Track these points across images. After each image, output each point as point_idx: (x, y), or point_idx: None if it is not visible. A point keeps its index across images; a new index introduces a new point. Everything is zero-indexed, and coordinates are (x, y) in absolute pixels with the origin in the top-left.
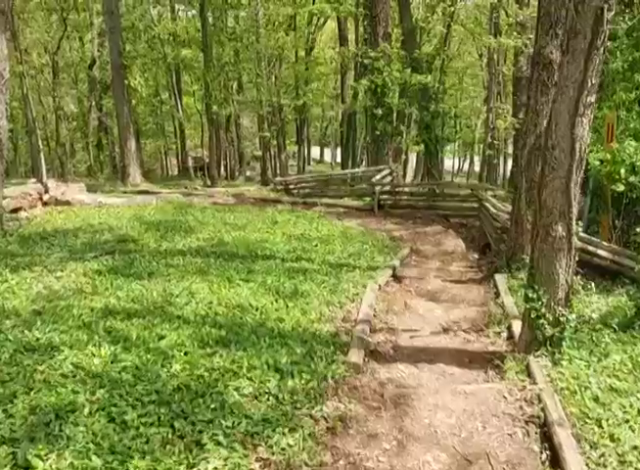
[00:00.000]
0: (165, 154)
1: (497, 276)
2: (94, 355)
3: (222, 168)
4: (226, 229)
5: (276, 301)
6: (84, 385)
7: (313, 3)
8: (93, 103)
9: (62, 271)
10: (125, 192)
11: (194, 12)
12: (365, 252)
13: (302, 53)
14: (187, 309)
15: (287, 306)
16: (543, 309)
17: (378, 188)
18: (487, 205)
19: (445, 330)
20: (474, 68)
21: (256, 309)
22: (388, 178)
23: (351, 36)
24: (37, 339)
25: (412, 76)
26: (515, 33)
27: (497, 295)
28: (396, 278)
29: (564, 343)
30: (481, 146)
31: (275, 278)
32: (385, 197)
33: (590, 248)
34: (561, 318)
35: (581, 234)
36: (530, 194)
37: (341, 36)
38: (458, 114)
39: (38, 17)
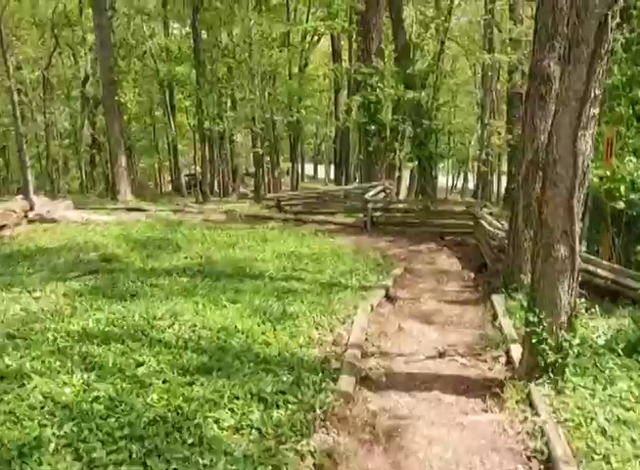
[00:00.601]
0: (159, 170)
1: (494, 297)
2: (66, 384)
3: (216, 185)
4: (215, 247)
5: (263, 323)
6: (52, 418)
7: (307, 21)
8: (86, 119)
9: (41, 292)
10: (115, 209)
11: (187, 29)
12: (357, 270)
13: (296, 70)
14: (169, 333)
15: (274, 329)
16: (545, 334)
17: (371, 205)
18: (483, 223)
19: (441, 354)
20: (467, 85)
21: (242, 333)
22: (382, 195)
23: (345, 53)
24: (7, 366)
25: (405, 92)
26: (509, 49)
27: (495, 317)
28: (389, 298)
29: (567, 369)
30: (475, 163)
31: (263, 298)
32: (378, 214)
33: (590, 267)
34: (563, 343)
35: (584, 254)
36: (528, 211)
37: (334, 53)
38: (452, 130)
39: (29, 32)
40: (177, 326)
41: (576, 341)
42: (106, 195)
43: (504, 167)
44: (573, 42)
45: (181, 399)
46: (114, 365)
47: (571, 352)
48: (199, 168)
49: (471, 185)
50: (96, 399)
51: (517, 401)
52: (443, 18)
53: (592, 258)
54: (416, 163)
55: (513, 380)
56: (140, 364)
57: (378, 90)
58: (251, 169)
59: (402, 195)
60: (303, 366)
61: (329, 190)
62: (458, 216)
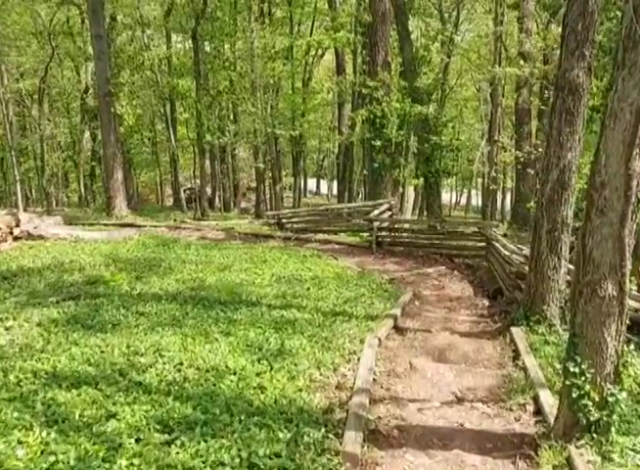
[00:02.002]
0: (161, 184)
1: (514, 330)
2: (20, 444)
3: (217, 200)
4: (209, 269)
5: (258, 361)
6: None
7: (311, 34)
8: (87, 132)
9: (14, 320)
10: (108, 224)
11: (189, 41)
12: (362, 297)
13: (299, 84)
14: (150, 374)
15: (271, 369)
16: (587, 387)
17: (376, 224)
18: (497, 245)
19: (459, 400)
20: (472, 101)
21: (234, 374)
22: (387, 213)
23: (349, 68)
24: None
25: (412, 107)
26: (522, 63)
27: (516, 353)
28: (398, 329)
29: (612, 428)
30: (480, 180)
31: (259, 331)
32: (383, 233)
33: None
34: (609, 398)
35: None
36: (552, 236)
37: (338, 67)
38: (459, 147)
39: (29, 42)
40: (161, 365)
41: (624, 394)
42: (104, 209)
43: (508, 184)
44: (629, 43)
45: (155, 467)
46: (80, 418)
47: (617, 408)
48: (199, 182)
49: (474, 201)
50: (52, 465)
51: (554, 467)
52: (450, 31)
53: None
54: (422, 179)
55: (547, 439)
56: (112, 416)
57: (384, 104)
58: (254, 184)
59: (408, 212)
60: (303, 418)
61: (332, 207)
62: (469, 237)
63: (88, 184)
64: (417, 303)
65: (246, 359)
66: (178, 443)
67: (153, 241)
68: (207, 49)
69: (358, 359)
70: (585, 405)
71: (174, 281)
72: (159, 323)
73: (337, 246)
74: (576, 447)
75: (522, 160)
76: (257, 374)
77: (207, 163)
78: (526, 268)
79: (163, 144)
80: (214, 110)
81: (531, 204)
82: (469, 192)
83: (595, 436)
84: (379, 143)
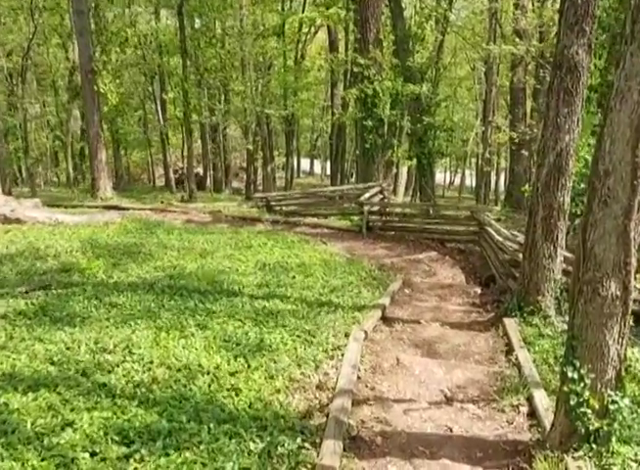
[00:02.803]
0: (152, 164)
1: (507, 321)
2: None
3: (209, 180)
4: (191, 256)
5: (235, 358)
6: None
7: (303, 11)
8: (77, 111)
9: None
10: (91, 207)
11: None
12: (350, 285)
13: (291, 62)
14: (117, 374)
15: (248, 367)
16: (587, 394)
17: (367, 208)
18: (490, 230)
19: (448, 400)
20: (467, 81)
21: (207, 373)
22: (379, 196)
23: (342, 47)
24: None
25: (404, 86)
26: (517, 40)
27: (509, 347)
28: (386, 320)
29: (613, 438)
30: (474, 160)
31: (238, 324)
32: (374, 217)
33: None
34: (610, 406)
35: None
36: (548, 223)
37: (331, 44)
38: (453, 127)
39: (10, 17)
40: (129, 364)
41: (626, 401)
42: (89, 190)
43: (502, 164)
44: (638, 14)
45: None
46: (33, 427)
47: (619, 416)
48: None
49: (468, 182)
50: None
51: None
52: (444, 8)
53: None
54: (414, 160)
55: (543, 448)
56: (68, 424)
57: (375, 83)
58: (245, 164)
59: (400, 195)
60: (278, 425)
61: (322, 190)
62: (461, 222)
63: (78, 164)
64: (407, 290)
65: (221, 357)
66: (137, 456)
67: (135, 225)
68: (197, 25)
69: (342, 355)
70: (584, 413)
71: (153, 269)
72: (132, 316)
73: (326, 230)
74: (574, 459)
75: (516, 140)
76: (232, 374)
77: (199, 142)
78: (521, 256)
79: (154, 123)
80: (203, 88)
81: (526, 187)
82: (462, 172)
83: (594, 446)
84: (370, 123)
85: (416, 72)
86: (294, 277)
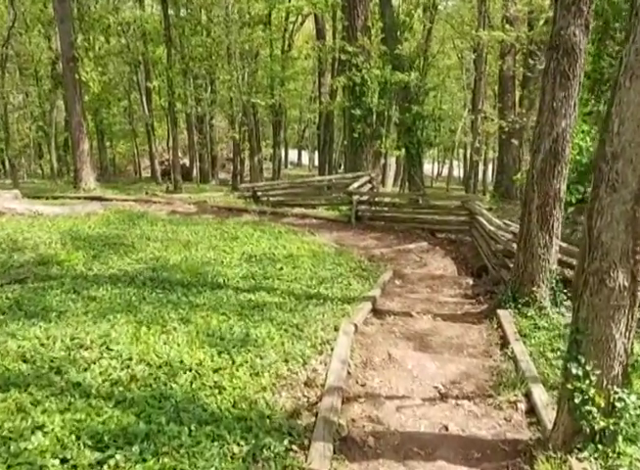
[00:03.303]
0: (137, 155)
1: (501, 313)
2: None
3: (195, 171)
4: (174, 247)
5: (219, 354)
6: None
7: (289, 0)
8: (61, 100)
9: None
10: (73, 198)
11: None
12: (339, 277)
13: (278, 52)
14: (93, 372)
15: (232, 363)
16: (592, 391)
17: (356, 198)
18: (481, 219)
19: (442, 396)
20: (455, 70)
21: (189, 370)
22: (368, 186)
23: (329, 37)
24: None
25: (393, 75)
26: (507, 27)
27: (504, 340)
28: (377, 313)
29: (620, 438)
30: (461, 151)
31: (223, 318)
32: (363, 207)
33: None
34: (617, 404)
35: None
36: (544, 212)
37: (318, 33)
38: (442, 116)
39: None
40: (107, 361)
41: (633, 398)
42: (72, 182)
43: (490, 154)
44: None
45: None
46: (0, 432)
47: (626, 414)
48: (179, 153)
49: (455, 172)
50: None
51: None
52: None
53: None
54: (403, 150)
55: (544, 449)
56: (39, 428)
57: (364, 71)
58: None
59: (389, 185)
60: (264, 426)
61: (310, 180)
62: (452, 212)
63: (62, 156)
64: (397, 282)
65: (204, 352)
66: (112, 462)
67: (118, 216)
68: (183, 13)
69: (332, 350)
70: (589, 412)
71: (135, 261)
72: (111, 310)
73: (314, 220)
74: (578, 460)
75: (506, 129)
76: (216, 370)
77: (185, 133)
78: (514, 246)
79: (139, 114)
80: (189, 78)
81: (518, 176)
82: (450, 163)
83: (600, 446)
84: (359, 112)
85: (404, 61)
86: (281, 269)
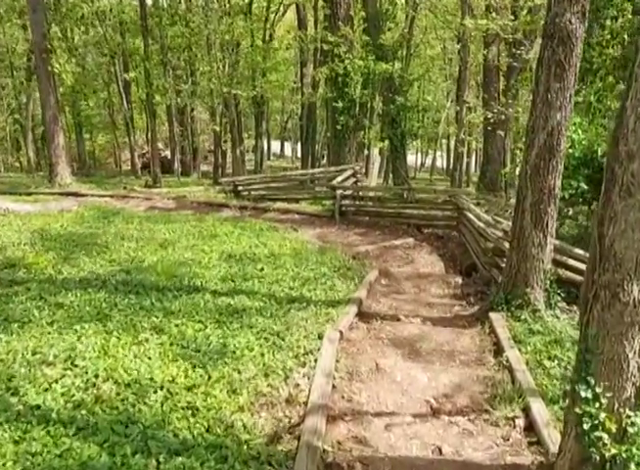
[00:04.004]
0: (118, 148)
1: (493, 316)
2: None
3: (176, 163)
4: (151, 247)
5: (193, 368)
6: None
7: None
8: (38, 93)
9: None
10: (47, 194)
11: None
12: (323, 277)
13: (259, 42)
14: (54, 392)
15: (208, 379)
16: (603, 415)
17: (339, 192)
18: (470, 215)
19: (435, 412)
20: (438, 60)
21: (161, 388)
22: (352, 180)
23: (311, 28)
24: None
25: (377, 65)
26: (494, 15)
27: (498, 346)
28: (363, 316)
29: (632, 465)
30: (445, 141)
31: (199, 326)
32: (347, 202)
33: None
34: (629, 429)
35: None
36: (538, 209)
37: (299, 23)
38: (426, 108)
39: None
40: (70, 379)
41: None
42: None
43: (473, 145)
44: None
45: None
46: None
47: (639, 440)
48: (160, 145)
49: (439, 163)
50: None
51: None
52: None
53: None
54: (387, 142)
55: None
56: None
57: (346, 61)
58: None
59: (374, 178)
60: (241, 454)
61: (293, 174)
62: (439, 206)
63: (40, 149)
64: (384, 281)
65: (178, 367)
66: None
67: (93, 213)
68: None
69: (315, 361)
70: (599, 438)
71: (108, 262)
72: (79, 318)
73: (297, 216)
74: None
75: (492, 120)
76: (190, 388)
77: (167, 125)
78: (506, 244)
79: (119, 106)
80: (168, 69)
81: (506, 170)
82: (434, 154)
83: None
84: (342, 104)
85: (388, 51)
86: (262, 269)
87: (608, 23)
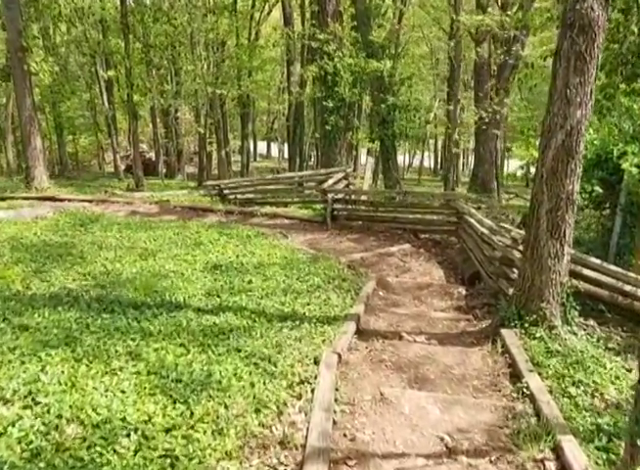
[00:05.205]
0: (101, 150)
1: (505, 334)
2: None
3: (161, 165)
4: (130, 257)
5: (173, 404)
6: None
7: None
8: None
9: None
10: (23, 199)
11: None
12: (317, 290)
13: (245, 41)
14: (10, 438)
15: (190, 415)
16: None
17: (331, 195)
18: (471, 220)
19: (450, 452)
20: (427, 60)
21: (135, 431)
22: (343, 183)
23: (298, 26)
24: None
25: (367, 63)
26: (490, 9)
27: (514, 369)
28: (362, 334)
29: None
30: (432, 141)
31: (180, 351)
32: (339, 206)
33: (627, 287)
34: None
35: (615, 268)
36: (555, 216)
37: (285, 21)
38: (417, 107)
39: None
40: (29, 420)
41: None
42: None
43: (461, 145)
44: None
45: None
46: None
47: None
48: (145, 147)
49: (426, 163)
50: None
51: None
52: None
53: (630, 274)
54: (377, 143)
55: None
56: None
57: (336, 60)
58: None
59: (367, 180)
60: None
61: (281, 177)
62: (436, 210)
63: (21, 151)
64: (381, 293)
65: (155, 402)
66: None
67: (69, 220)
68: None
69: (312, 391)
70: None
71: (82, 275)
72: (45, 343)
73: (286, 221)
74: None
75: (486, 120)
76: (169, 430)
77: (151, 126)
78: (515, 253)
79: (102, 106)
80: (151, 69)
81: (505, 173)
82: (422, 154)
83: None
84: (331, 104)
85: (378, 48)
86: (250, 282)
87: (614, 16)
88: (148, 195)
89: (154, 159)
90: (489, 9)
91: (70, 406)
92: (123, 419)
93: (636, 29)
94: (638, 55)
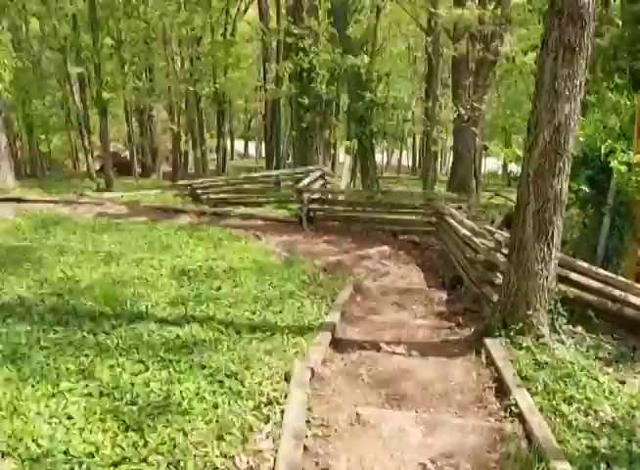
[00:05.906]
0: (75, 149)
1: (490, 344)
2: None
3: (136, 164)
4: (92, 262)
5: (125, 432)
6: None
7: None
8: None
9: None
10: None
11: None
12: (290, 296)
13: (220, 37)
14: None
15: (144, 446)
16: None
17: (307, 195)
18: (452, 221)
19: None
20: (403, 57)
21: (79, 465)
22: (320, 182)
23: (274, 23)
24: None
25: (344, 59)
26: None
27: (500, 383)
28: (337, 345)
29: None
30: (410, 139)
31: (138, 368)
32: (315, 206)
33: (616, 292)
34: None
35: (603, 272)
36: (542, 218)
37: (261, 16)
38: (395, 105)
39: None
40: None
41: None
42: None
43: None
44: None
45: None
46: None
47: None
48: (120, 146)
49: (404, 161)
50: None
51: None
52: None
53: (620, 279)
54: (355, 141)
55: None
56: None
57: (312, 55)
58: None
59: (344, 179)
60: None
61: (256, 176)
62: (415, 211)
63: None
64: (359, 298)
65: (104, 430)
66: None
67: (31, 223)
68: None
69: (282, 413)
70: None
71: (39, 283)
72: None
73: (261, 222)
74: None
75: (466, 117)
76: (117, 464)
77: (126, 125)
78: (499, 257)
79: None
80: (123, 65)
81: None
82: (400, 152)
83: None
84: (307, 101)
85: (355, 44)
86: (219, 288)
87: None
88: (118, 195)
89: (128, 158)
90: (468, 2)
91: (10, 436)
92: (66, 452)
93: (620, 21)
94: (622, 48)
